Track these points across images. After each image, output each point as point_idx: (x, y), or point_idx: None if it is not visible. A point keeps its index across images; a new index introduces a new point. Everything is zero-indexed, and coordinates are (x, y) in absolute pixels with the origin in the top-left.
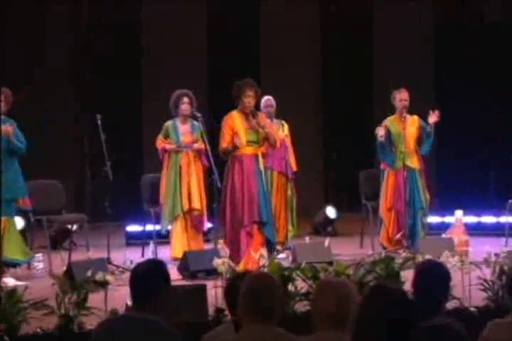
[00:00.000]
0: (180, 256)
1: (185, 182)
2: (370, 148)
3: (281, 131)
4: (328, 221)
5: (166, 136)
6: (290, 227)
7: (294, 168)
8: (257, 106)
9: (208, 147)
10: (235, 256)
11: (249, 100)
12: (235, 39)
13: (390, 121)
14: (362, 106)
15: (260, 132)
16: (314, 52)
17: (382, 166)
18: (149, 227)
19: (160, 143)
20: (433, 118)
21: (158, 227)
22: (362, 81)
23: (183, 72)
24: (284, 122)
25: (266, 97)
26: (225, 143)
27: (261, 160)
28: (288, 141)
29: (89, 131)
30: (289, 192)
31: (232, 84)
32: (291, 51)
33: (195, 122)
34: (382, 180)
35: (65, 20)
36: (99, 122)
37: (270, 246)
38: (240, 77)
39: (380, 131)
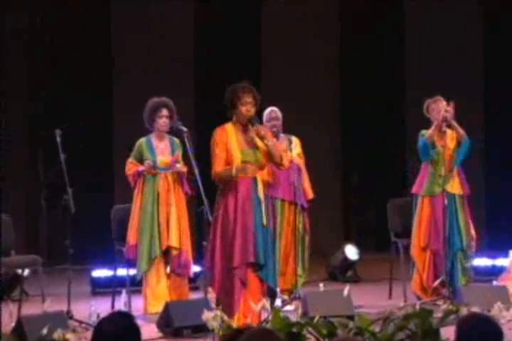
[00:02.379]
0: (156, 310)
1: (163, 214)
2: (400, 170)
3: (289, 150)
4: (348, 263)
5: (139, 158)
6: (300, 271)
7: (310, 195)
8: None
9: (196, 170)
10: (228, 307)
11: (247, 108)
12: (229, 41)
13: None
14: (389, 120)
15: (261, 148)
16: (331, 56)
17: (414, 188)
18: (121, 272)
19: (131, 167)
20: (444, 112)
21: (132, 272)
22: (390, 91)
23: (163, 84)
24: (293, 138)
25: (269, 109)
26: (219, 166)
27: (260, 185)
28: (301, 162)
29: (46, 149)
30: (300, 226)
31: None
32: (301, 55)
33: (175, 138)
34: (415, 210)
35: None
36: (58, 139)
37: (273, 295)
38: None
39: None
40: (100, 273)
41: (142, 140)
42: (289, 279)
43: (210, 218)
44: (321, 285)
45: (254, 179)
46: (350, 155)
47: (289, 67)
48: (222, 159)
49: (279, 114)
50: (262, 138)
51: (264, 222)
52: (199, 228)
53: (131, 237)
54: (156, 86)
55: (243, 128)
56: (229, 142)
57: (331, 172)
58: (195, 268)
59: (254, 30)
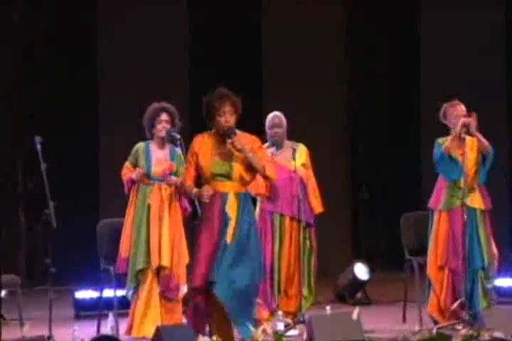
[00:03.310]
0: (145, 333)
1: (154, 229)
2: (413, 183)
3: (292, 160)
4: (358, 283)
5: (134, 163)
6: (306, 293)
7: (318, 209)
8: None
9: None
10: (219, 332)
11: (225, 118)
12: (226, 44)
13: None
14: (402, 128)
15: (237, 160)
16: (339, 59)
17: (431, 203)
18: (108, 293)
19: (126, 172)
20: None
21: (120, 293)
22: (404, 96)
23: (154, 92)
24: (300, 146)
25: (273, 114)
26: (188, 180)
27: (232, 201)
28: (307, 173)
29: (26, 158)
30: (305, 243)
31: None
32: (306, 59)
33: (177, 149)
34: (431, 225)
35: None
36: (38, 147)
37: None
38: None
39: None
40: (85, 294)
41: (141, 144)
42: (294, 301)
43: None
44: (328, 307)
45: (225, 195)
46: (359, 168)
47: (295, 75)
48: (191, 170)
49: (283, 120)
50: (239, 151)
51: (229, 239)
52: (193, 245)
53: (124, 250)
54: (146, 94)
55: (222, 138)
56: (201, 152)
57: (339, 185)
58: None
59: (254, 32)
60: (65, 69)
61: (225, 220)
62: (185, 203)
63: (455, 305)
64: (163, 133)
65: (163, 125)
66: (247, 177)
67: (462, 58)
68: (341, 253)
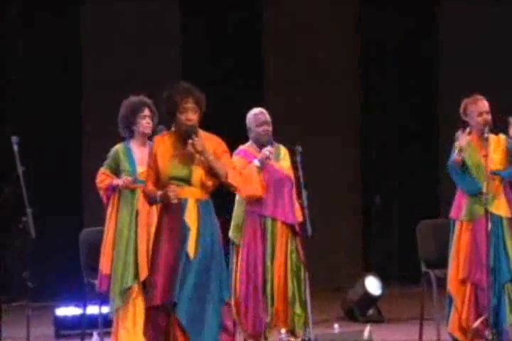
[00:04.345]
0: None
1: (143, 237)
2: (432, 186)
3: (277, 161)
4: (370, 299)
5: (114, 168)
6: (299, 309)
7: (299, 217)
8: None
9: None
10: None
11: (187, 116)
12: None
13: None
14: (418, 127)
15: (199, 163)
16: (350, 58)
17: (451, 212)
18: (92, 310)
19: (104, 178)
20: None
21: (106, 310)
22: (420, 93)
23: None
24: (281, 147)
25: (256, 110)
26: (150, 184)
27: (191, 209)
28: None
29: (0, 160)
30: (293, 255)
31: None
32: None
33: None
34: (452, 236)
35: None
36: (15, 147)
37: None
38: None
39: (458, 152)
40: (66, 311)
41: (119, 146)
42: (283, 318)
43: None
44: (336, 325)
45: (183, 201)
46: (371, 173)
47: (300, 80)
48: (152, 173)
49: (268, 118)
50: (199, 152)
51: (191, 254)
52: None
53: (105, 265)
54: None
55: (183, 138)
56: (160, 153)
57: (349, 192)
58: None
59: (254, 35)
60: (46, 64)
61: (184, 231)
62: None
63: (478, 322)
64: (148, 129)
65: (147, 120)
66: (208, 183)
67: (484, 55)
68: (351, 265)
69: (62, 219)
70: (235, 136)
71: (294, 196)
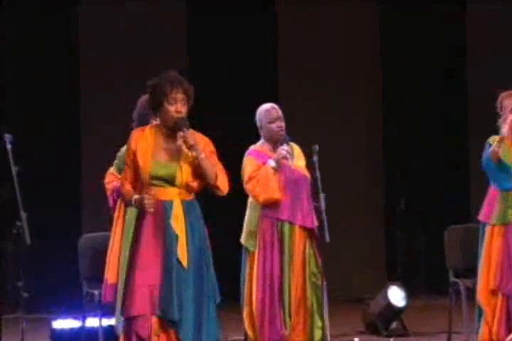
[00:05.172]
0: None
1: None
2: (461, 189)
3: (292, 160)
4: (393, 311)
5: (123, 169)
6: (318, 321)
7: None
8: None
9: None
10: None
11: (176, 107)
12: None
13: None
14: (445, 126)
15: (186, 161)
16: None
17: (481, 215)
18: (92, 322)
19: (112, 179)
20: None
21: (107, 322)
22: (447, 90)
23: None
24: (294, 146)
25: (268, 106)
26: (126, 184)
27: (178, 212)
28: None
29: None
30: (311, 261)
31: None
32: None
33: None
34: (482, 242)
35: None
36: (8, 146)
37: None
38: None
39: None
40: (64, 323)
41: None
42: (301, 331)
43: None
44: (357, 339)
45: (167, 203)
46: (395, 174)
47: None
48: (129, 172)
49: (281, 113)
50: (190, 148)
51: (184, 263)
52: None
53: (110, 274)
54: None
55: (169, 133)
56: (140, 149)
57: (370, 194)
58: None
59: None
60: (44, 63)
61: (169, 236)
62: None
63: (510, 336)
64: None
65: None
66: (193, 184)
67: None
68: (373, 275)
69: (59, 224)
70: (245, 135)
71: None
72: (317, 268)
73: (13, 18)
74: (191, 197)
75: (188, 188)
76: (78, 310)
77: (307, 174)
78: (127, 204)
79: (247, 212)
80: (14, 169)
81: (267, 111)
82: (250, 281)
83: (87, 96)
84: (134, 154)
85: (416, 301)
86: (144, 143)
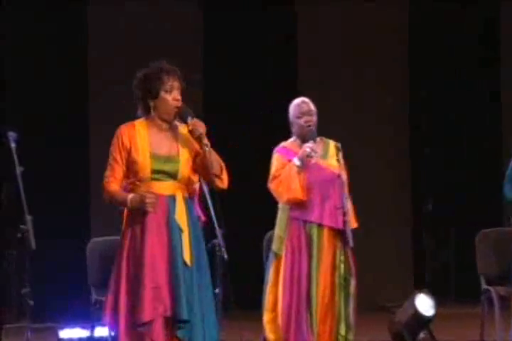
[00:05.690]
0: None
1: None
2: (494, 190)
3: (325, 158)
4: (421, 320)
5: None
6: (343, 329)
7: (354, 224)
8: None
9: (205, 187)
10: None
11: (174, 95)
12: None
13: None
14: (476, 123)
15: (186, 154)
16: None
17: None
18: (101, 331)
19: None
20: None
21: None
22: (480, 88)
23: None
24: (330, 141)
25: (299, 100)
26: (113, 183)
27: (180, 207)
28: (342, 177)
29: None
30: (341, 266)
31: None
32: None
33: None
34: None
35: None
36: (12, 145)
37: None
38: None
39: None
40: (71, 333)
41: None
42: (325, 338)
43: (226, 256)
44: None
45: (170, 198)
46: (422, 174)
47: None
48: (118, 170)
49: (313, 106)
50: (198, 138)
51: (187, 259)
52: (211, 270)
53: None
54: None
55: (164, 125)
56: (135, 145)
57: (397, 195)
58: None
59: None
60: (52, 63)
61: (172, 233)
62: (198, 211)
63: None
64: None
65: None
66: (193, 178)
67: None
68: (400, 282)
69: (66, 228)
70: (266, 131)
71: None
72: (348, 273)
73: (16, 17)
74: (189, 193)
75: (188, 182)
76: (86, 318)
77: (339, 173)
78: (118, 205)
79: (278, 215)
80: (19, 169)
81: (296, 105)
82: (275, 286)
83: (95, 97)
84: (129, 150)
85: (445, 310)
86: (138, 138)
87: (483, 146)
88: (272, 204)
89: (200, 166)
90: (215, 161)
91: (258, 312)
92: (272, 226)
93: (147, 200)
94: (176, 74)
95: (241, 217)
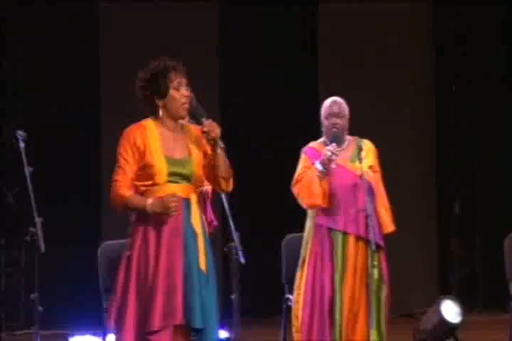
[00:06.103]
0: None
1: None
2: None
3: (358, 161)
4: (447, 327)
5: None
6: (375, 337)
7: (389, 227)
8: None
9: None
10: None
11: (183, 92)
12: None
13: None
14: (502, 123)
15: (196, 155)
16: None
17: None
18: (113, 339)
19: None
20: None
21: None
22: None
23: None
24: (363, 142)
25: (330, 100)
26: (125, 188)
27: (195, 210)
28: (375, 178)
29: (4, 160)
30: (374, 272)
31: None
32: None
33: None
34: None
35: None
36: (21, 145)
37: None
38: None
39: None
40: (82, 340)
41: None
42: None
43: (243, 260)
44: None
45: (186, 202)
46: (448, 174)
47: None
48: (130, 173)
49: (345, 109)
50: (213, 140)
51: (202, 265)
52: (226, 275)
53: None
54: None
55: (174, 125)
56: (148, 147)
57: (421, 197)
58: (221, 334)
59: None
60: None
61: (187, 237)
62: (211, 214)
63: None
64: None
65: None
66: (203, 179)
67: None
68: (425, 287)
69: (77, 230)
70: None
71: (378, 203)
72: (381, 279)
73: (26, 16)
74: (196, 194)
75: (199, 184)
76: (98, 325)
77: (370, 175)
78: (133, 209)
79: (306, 222)
80: (28, 170)
81: (326, 105)
82: (297, 293)
83: (107, 96)
84: (142, 152)
85: (472, 317)
86: (151, 139)
87: (508, 149)
88: (291, 205)
89: (208, 168)
90: (226, 163)
91: (273, 318)
92: (290, 229)
93: (171, 204)
94: (181, 70)
95: (257, 219)
